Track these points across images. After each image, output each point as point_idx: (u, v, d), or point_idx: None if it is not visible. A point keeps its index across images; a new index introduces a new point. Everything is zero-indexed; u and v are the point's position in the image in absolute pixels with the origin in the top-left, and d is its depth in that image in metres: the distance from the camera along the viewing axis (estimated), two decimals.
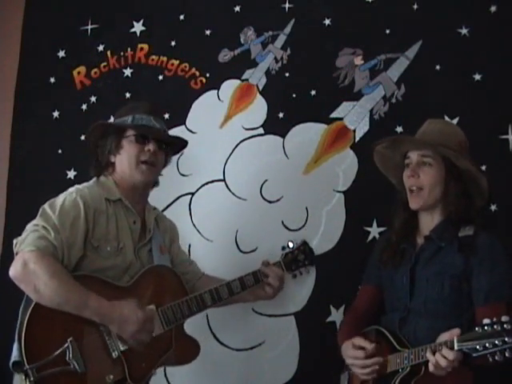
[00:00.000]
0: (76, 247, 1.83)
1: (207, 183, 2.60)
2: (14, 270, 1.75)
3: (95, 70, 2.85)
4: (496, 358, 1.48)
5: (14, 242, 1.82)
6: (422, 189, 1.87)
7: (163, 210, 2.53)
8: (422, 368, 1.69)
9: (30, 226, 1.82)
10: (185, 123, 2.67)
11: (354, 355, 1.84)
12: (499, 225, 2.16)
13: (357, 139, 2.42)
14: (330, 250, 2.38)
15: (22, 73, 2.96)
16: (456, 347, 1.54)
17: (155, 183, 2.12)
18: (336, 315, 2.31)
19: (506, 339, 1.45)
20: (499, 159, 2.24)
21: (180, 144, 2.16)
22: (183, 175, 2.62)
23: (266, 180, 2.51)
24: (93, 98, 2.82)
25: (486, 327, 1.49)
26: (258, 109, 2.58)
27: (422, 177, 1.87)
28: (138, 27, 2.81)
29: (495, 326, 1.48)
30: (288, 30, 2.59)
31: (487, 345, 1.48)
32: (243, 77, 2.62)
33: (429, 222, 1.92)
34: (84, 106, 2.82)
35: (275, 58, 2.59)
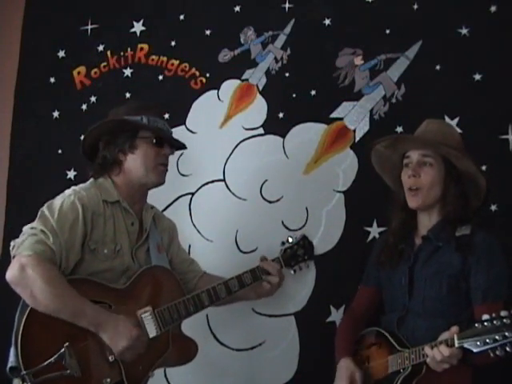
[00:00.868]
0: (74, 251, 1.82)
1: (207, 183, 2.60)
2: (10, 274, 1.74)
3: (95, 69, 2.85)
4: (497, 353, 1.49)
5: (12, 244, 1.81)
6: (422, 188, 1.87)
7: (163, 210, 2.53)
8: (423, 368, 1.70)
9: (27, 229, 1.81)
10: (185, 123, 2.67)
11: None
12: (499, 225, 2.16)
13: (357, 139, 2.42)
14: (330, 250, 2.38)
15: (22, 73, 2.96)
16: (456, 344, 1.55)
17: None
18: (336, 315, 2.31)
19: (506, 334, 1.46)
20: (499, 159, 2.24)
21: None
22: (183, 175, 2.62)
23: (266, 180, 2.51)
24: (93, 98, 2.82)
25: (485, 323, 1.50)
26: (258, 109, 2.58)
27: (423, 177, 1.87)
28: (138, 27, 2.81)
29: (495, 322, 1.49)
30: (288, 30, 2.59)
31: (487, 340, 1.49)
32: (243, 77, 2.62)
33: (426, 222, 1.92)
34: (84, 106, 2.82)
35: (275, 58, 2.59)
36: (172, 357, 1.94)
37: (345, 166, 2.42)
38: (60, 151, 2.82)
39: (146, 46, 2.79)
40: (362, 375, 1.85)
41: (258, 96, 2.59)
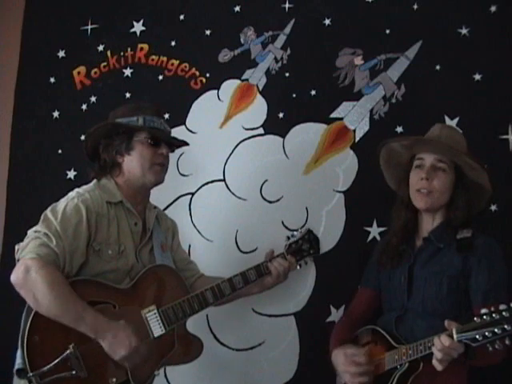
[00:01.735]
0: (78, 253, 1.82)
1: (207, 183, 2.60)
2: (15, 277, 1.75)
3: (95, 69, 2.85)
4: (496, 346, 1.49)
5: (16, 247, 1.82)
6: (433, 192, 1.87)
7: (163, 210, 2.53)
8: (420, 364, 1.70)
9: (31, 233, 1.81)
10: (185, 123, 2.67)
11: (350, 371, 1.83)
12: (499, 225, 2.17)
13: (357, 139, 2.42)
14: (330, 250, 2.38)
15: (22, 73, 2.96)
16: (456, 338, 1.54)
17: None
18: (336, 315, 2.31)
19: (506, 327, 1.46)
20: (499, 159, 2.24)
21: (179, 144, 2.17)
22: (183, 175, 2.62)
23: (266, 180, 2.51)
24: (93, 98, 2.82)
25: (484, 316, 1.50)
26: (258, 109, 2.58)
27: (436, 181, 1.87)
28: (138, 27, 2.81)
29: (494, 315, 1.49)
30: (288, 30, 2.59)
31: (487, 333, 1.49)
32: (243, 77, 2.62)
33: (429, 224, 1.93)
34: (84, 106, 2.82)
35: (275, 58, 2.59)
36: (178, 355, 1.95)
37: (345, 166, 2.42)
38: (60, 151, 2.82)
39: (145, 46, 2.79)
40: (353, 349, 1.84)
41: (258, 96, 2.59)
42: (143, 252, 1.99)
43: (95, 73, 2.85)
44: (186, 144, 2.15)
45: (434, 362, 1.60)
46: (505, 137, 2.26)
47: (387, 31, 2.45)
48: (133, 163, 1.97)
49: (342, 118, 2.46)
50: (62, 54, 2.92)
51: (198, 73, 2.69)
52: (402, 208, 1.97)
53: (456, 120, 2.28)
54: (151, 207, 2.10)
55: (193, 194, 2.61)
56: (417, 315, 1.84)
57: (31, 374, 1.68)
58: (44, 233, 1.78)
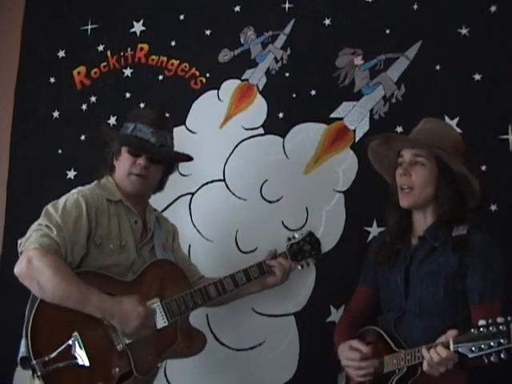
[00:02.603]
0: (79, 245, 1.86)
1: (207, 183, 2.60)
2: (18, 268, 1.79)
3: (95, 69, 2.85)
4: (491, 359, 1.47)
5: (19, 242, 1.86)
6: (413, 188, 1.87)
7: (163, 210, 2.53)
8: (418, 369, 1.69)
9: (33, 226, 1.86)
10: (185, 123, 2.66)
11: (350, 357, 1.85)
12: (499, 225, 2.16)
13: (357, 139, 2.42)
14: (330, 250, 2.38)
15: (22, 73, 2.96)
16: (452, 348, 1.54)
17: (159, 188, 2.15)
18: (336, 315, 2.31)
19: (502, 341, 1.45)
20: (499, 159, 2.24)
21: (186, 159, 2.16)
22: (183, 175, 2.61)
23: (266, 180, 2.51)
24: (93, 98, 2.82)
25: (481, 329, 1.49)
26: (258, 109, 2.58)
27: (414, 176, 1.86)
28: (138, 27, 2.81)
29: (491, 328, 1.47)
30: (288, 30, 2.59)
31: (483, 346, 1.47)
32: (243, 77, 2.62)
33: (421, 222, 1.92)
34: (84, 106, 2.82)
35: (275, 58, 2.59)
36: (181, 349, 1.97)
37: (345, 166, 2.42)
38: (60, 151, 2.82)
39: (145, 46, 2.79)
40: (358, 342, 1.85)
41: (258, 96, 2.59)
42: (144, 250, 2.02)
43: (95, 73, 2.85)
44: (178, 156, 2.12)
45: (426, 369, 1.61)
46: (505, 137, 2.26)
47: (387, 31, 2.45)
48: (119, 168, 2.02)
49: (342, 118, 2.46)
50: (62, 54, 2.92)
51: (197, 73, 2.69)
52: (393, 207, 1.96)
53: (456, 120, 2.28)
54: (151, 209, 2.13)
55: (193, 194, 2.61)
56: (414, 316, 1.84)
57: (34, 362, 1.70)
58: (45, 225, 1.83)
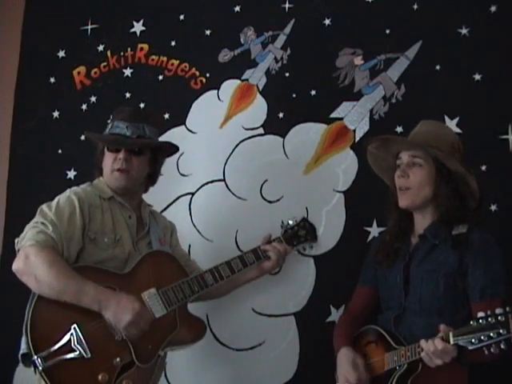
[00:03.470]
0: (75, 240, 1.89)
1: (207, 183, 2.60)
2: (16, 265, 1.83)
3: (95, 69, 2.85)
4: (492, 350, 1.50)
5: (16, 241, 1.89)
6: (412, 188, 1.88)
7: (163, 210, 2.54)
8: (419, 365, 1.70)
9: (29, 225, 1.89)
10: (185, 123, 2.67)
11: (348, 373, 1.84)
12: (499, 225, 2.16)
13: (357, 139, 2.42)
14: (330, 250, 2.38)
15: (22, 73, 2.96)
16: (452, 341, 1.56)
17: (151, 182, 2.15)
18: (336, 315, 2.31)
19: (501, 331, 1.47)
20: (499, 159, 2.24)
21: (168, 146, 2.17)
22: (183, 175, 2.62)
23: (266, 180, 2.51)
24: (93, 98, 2.82)
25: (480, 320, 1.52)
26: (258, 109, 2.58)
27: (412, 177, 1.88)
28: (138, 27, 2.81)
29: (490, 319, 1.50)
30: (288, 30, 2.59)
31: (482, 337, 1.50)
32: (243, 77, 2.62)
33: (422, 223, 1.93)
34: (84, 106, 2.82)
35: (275, 58, 2.59)
36: (181, 336, 1.98)
37: (345, 166, 2.42)
38: (60, 151, 2.82)
39: (145, 46, 2.79)
40: (363, 362, 1.85)
41: (258, 96, 2.59)
42: (141, 244, 2.04)
43: (95, 73, 2.85)
44: (155, 147, 2.10)
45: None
46: (505, 137, 2.26)
47: (387, 31, 2.45)
48: (105, 168, 2.06)
49: (342, 118, 2.46)
50: (62, 54, 2.92)
51: (197, 73, 2.69)
52: (392, 208, 1.98)
53: (456, 120, 2.28)
54: (145, 205, 2.16)
55: (193, 194, 2.61)
56: (414, 314, 1.85)
57: (35, 357, 1.72)
58: (41, 222, 1.87)
